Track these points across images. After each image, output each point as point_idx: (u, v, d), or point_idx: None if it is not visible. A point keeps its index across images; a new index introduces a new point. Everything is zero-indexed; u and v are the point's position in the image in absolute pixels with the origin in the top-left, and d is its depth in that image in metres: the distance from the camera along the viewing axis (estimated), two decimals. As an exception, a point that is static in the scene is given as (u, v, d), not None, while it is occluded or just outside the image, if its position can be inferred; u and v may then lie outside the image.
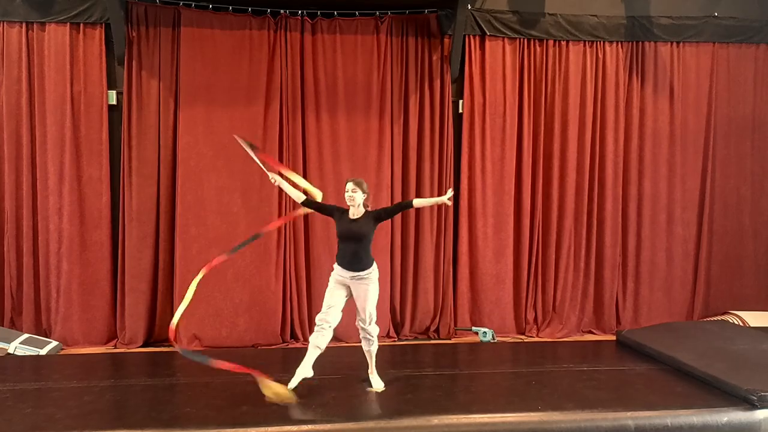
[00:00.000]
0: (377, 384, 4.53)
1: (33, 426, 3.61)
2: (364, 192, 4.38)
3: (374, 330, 4.51)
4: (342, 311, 4.47)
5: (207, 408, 4.03)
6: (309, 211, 4.81)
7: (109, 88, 6.32)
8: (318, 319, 4.43)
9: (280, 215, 6.37)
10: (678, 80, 7.10)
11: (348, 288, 4.43)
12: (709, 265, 7.24)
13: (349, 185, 4.39)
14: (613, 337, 6.28)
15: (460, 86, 6.82)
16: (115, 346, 6.28)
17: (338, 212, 4.45)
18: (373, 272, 4.43)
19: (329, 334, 4.42)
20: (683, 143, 7.14)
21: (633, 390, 4.47)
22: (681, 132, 7.13)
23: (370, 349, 4.55)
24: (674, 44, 7.08)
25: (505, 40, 6.79)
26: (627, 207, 7.10)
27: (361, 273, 4.36)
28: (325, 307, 4.43)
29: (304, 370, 4.35)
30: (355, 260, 4.35)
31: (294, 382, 4.29)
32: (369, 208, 4.48)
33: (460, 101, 6.83)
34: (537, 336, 6.83)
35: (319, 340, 4.38)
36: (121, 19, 6.11)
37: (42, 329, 6.29)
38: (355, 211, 4.39)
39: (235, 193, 6.39)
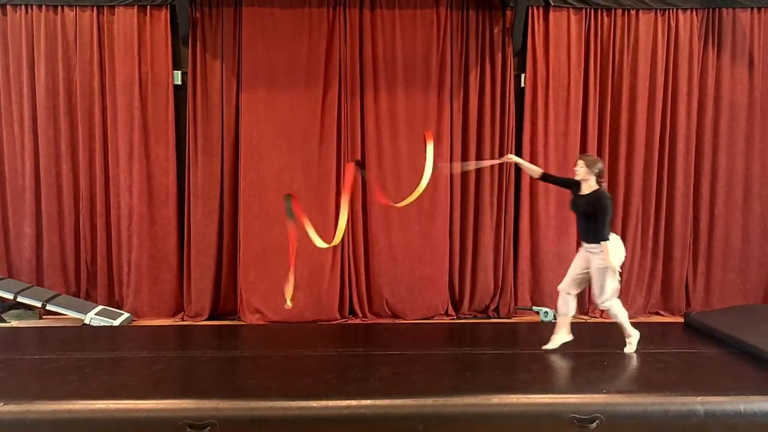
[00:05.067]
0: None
1: (109, 392, 3.79)
2: (590, 169, 4.45)
3: (609, 306, 4.63)
4: (580, 282, 4.68)
5: (270, 379, 4.13)
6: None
7: (175, 68, 6.48)
8: (559, 287, 4.74)
9: (338, 192, 6.39)
10: (759, 48, 6.66)
11: (588, 261, 4.59)
12: (790, 245, 6.82)
13: (579, 161, 4.54)
14: (682, 320, 6.02)
15: (522, 59, 6.63)
16: (182, 319, 6.53)
17: (573, 186, 4.60)
18: (603, 249, 4.44)
19: (571, 301, 4.68)
20: (763, 115, 6.72)
21: (703, 374, 4.28)
22: (761, 103, 6.71)
23: (616, 320, 4.71)
24: (755, 10, 6.62)
25: (570, 10, 6.53)
26: (699, 183, 6.76)
27: (590, 246, 4.53)
28: (566, 276, 4.71)
29: (561, 336, 4.69)
30: (584, 232, 4.60)
31: (552, 345, 4.65)
32: (604, 184, 4.53)
33: (522, 75, 6.64)
34: (600, 317, 6.64)
35: (563, 308, 4.70)
36: (185, 1, 6.23)
37: (114, 301, 6.61)
38: (585, 186, 4.51)
39: (296, 171, 6.46)
